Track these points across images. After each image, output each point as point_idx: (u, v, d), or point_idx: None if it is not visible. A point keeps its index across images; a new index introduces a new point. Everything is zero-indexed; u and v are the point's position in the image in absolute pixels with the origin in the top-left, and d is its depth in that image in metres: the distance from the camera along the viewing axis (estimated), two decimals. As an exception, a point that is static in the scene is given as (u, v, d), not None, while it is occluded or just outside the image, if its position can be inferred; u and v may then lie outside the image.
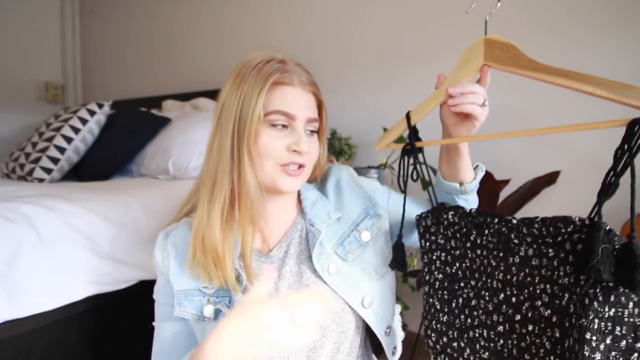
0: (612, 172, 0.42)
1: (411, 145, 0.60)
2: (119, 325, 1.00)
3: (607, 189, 0.42)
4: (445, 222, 0.56)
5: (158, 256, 0.63)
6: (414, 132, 0.60)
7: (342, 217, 0.65)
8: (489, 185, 1.14)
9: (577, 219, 0.43)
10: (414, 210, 0.66)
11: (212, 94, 1.90)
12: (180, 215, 0.67)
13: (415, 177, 0.61)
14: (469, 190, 0.63)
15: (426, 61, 1.50)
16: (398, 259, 0.61)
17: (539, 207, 1.21)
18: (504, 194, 1.21)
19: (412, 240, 0.68)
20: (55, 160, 1.44)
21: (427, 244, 0.58)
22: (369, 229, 0.64)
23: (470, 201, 0.65)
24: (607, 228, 0.40)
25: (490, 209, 1.10)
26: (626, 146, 0.41)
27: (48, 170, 1.43)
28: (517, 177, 1.23)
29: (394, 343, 0.66)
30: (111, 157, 1.53)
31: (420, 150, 0.61)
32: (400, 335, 0.67)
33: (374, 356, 0.72)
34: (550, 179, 1.17)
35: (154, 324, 0.66)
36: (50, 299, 0.82)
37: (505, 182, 1.20)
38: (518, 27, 1.26)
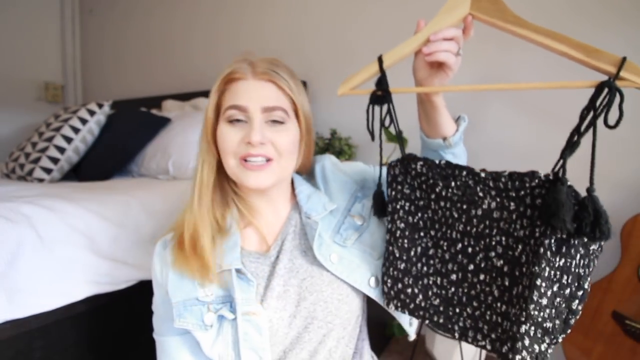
0: (576, 132, 0.44)
1: (383, 90, 0.55)
2: (119, 325, 1.00)
3: (570, 147, 0.44)
4: (413, 172, 0.56)
5: (156, 267, 0.62)
6: (385, 78, 0.56)
7: (335, 206, 0.65)
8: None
9: (542, 174, 0.45)
10: None
11: (212, 94, 1.89)
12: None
13: (387, 124, 0.57)
14: (453, 144, 0.61)
15: (426, 61, 1.50)
16: (377, 204, 0.61)
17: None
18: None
19: None
20: (55, 160, 1.44)
21: (393, 192, 0.58)
22: (360, 212, 0.66)
23: (458, 154, 0.63)
24: (568, 184, 0.43)
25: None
26: (592, 107, 0.43)
27: (48, 170, 1.43)
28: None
29: (406, 317, 0.66)
30: (111, 157, 1.53)
31: (389, 99, 0.56)
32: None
33: (373, 354, 0.72)
34: (550, 178, 1.17)
35: (154, 336, 0.65)
36: (50, 299, 0.82)
37: (505, 182, 1.20)
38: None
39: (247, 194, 0.65)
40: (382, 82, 0.56)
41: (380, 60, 0.56)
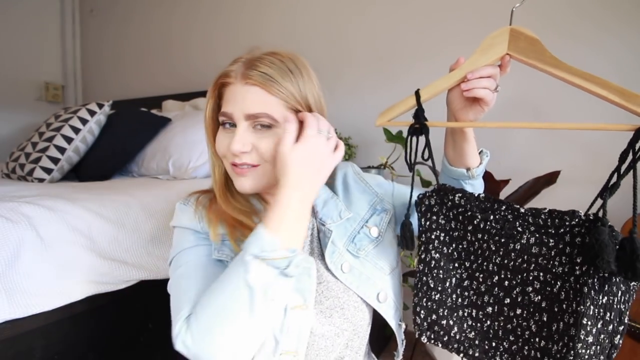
0: (615, 173, 0.45)
1: (420, 123, 0.57)
2: (119, 325, 1.00)
3: (611, 188, 0.45)
4: (449, 203, 0.56)
5: (186, 216, 0.60)
6: (422, 111, 0.58)
7: (351, 215, 0.65)
8: (489, 185, 1.14)
9: (582, 213, 0.46)
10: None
11: (212, 94, 1.90)
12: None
13: (426, 157, 0.59)
14: (476, 175, 0.62)
15: (426, 59, 1.50)
16: (406, 237, 0.61)
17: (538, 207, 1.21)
18: (504, 194, 1.21)
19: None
20: (55, 160, 1.44)
21: (428, 223, 0.58)
22: (377, 224, 0.65)
23: (476, 186, 0.65)
24: (609, 224, 0.44)
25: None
26: (631, 150, 0.44)
27: (48, 170, 1.43)
28: (517, 177, 1.23)
29: (402, 335, 0.67)
30: (111, 157, 1.53)
31: (427, 131, 0.58)
32: (403, 325, 0.68)
33: (373, 355, 0.73)
34: (550, 179, 1.17)
35: (176, 272, 0.56)
36: (50, 299, 0.82)
37: (505, 182, 1.20)
38: (519, 24, 1.26)
39: (267, 195, 0.64)
40: (419, 116, 0.58)
41: (417, 94, 0.57)
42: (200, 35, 2.21)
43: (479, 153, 0.64)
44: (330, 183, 0.70)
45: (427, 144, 0.58)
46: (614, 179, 0.45)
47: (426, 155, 0.60)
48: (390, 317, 0.62)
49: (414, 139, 0.59)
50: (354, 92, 1.70)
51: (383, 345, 1.51)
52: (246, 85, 0.54)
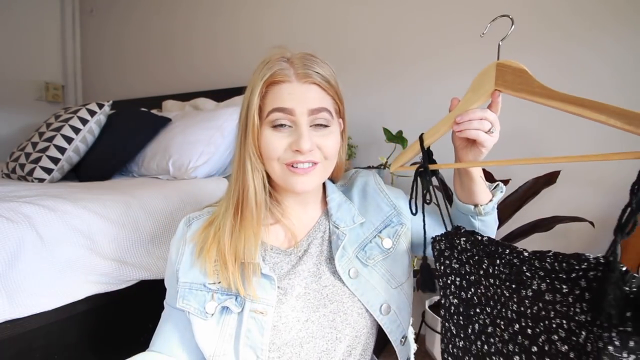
0: (628, 209, 0.39)
1: (424, 167, 0.58)
2: (119, 325, 1.00)
3: (623, 227, 0.39)
4: (459, 247, 0.55)
5: (174, 246, 0.62)
6: (427, 155, 0.58)
7: (365, 222, 0.64)
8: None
9: (590, 256, 0.42)
10: (436, 228, 0.65)
11: (212, 94, 1.90)
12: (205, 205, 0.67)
13: (428, 201, 0.59)
14: (484, 213, 0.61)
15: (426, 60, 1.50)
16: (426, 280, 0.60)
17: (538, 208, 1.21)
18: (504, 194, 1.21)
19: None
20: (55, 160, 1.44)
21: (442, 267, 0.57)
22: (390, 236, 0.64)
23: (488, 223, 0.63)
24: (624, 269, 0.38)
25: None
26: None
27: (48, 170, 1.43)
28: (517, 177, 1.24)
29: (408, 354, 0.66)
30: (111, 157, 1.53)
31: (435, 172, 0.59)
32: (413, 347, 0.67)
33: (373, 355, 0.73)
34: (550, 179, 1.17)
35: (164, 303, 0.65)
36: (50, 299, 0.82)
37: (505, 182, 1.21)
38: (518, 24, 1.26)
39: (282, 194, 0.64)
40: (424, 159, 0.59)
41: (421, 139, 0.59)
42: (201, 35, 2.21)
43: (494, 188, 0.63)
44: (347, 188, 0.70)
45: (428, 189, 0.58)
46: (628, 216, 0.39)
47: (438, 195, 0.59)
48: (391, 331, 0.61)
49: (421, 181, 0.59)
50: (354, 92, 1.70)
51: (383, 345, 1.51)
52: (305, 84, 0.57)
